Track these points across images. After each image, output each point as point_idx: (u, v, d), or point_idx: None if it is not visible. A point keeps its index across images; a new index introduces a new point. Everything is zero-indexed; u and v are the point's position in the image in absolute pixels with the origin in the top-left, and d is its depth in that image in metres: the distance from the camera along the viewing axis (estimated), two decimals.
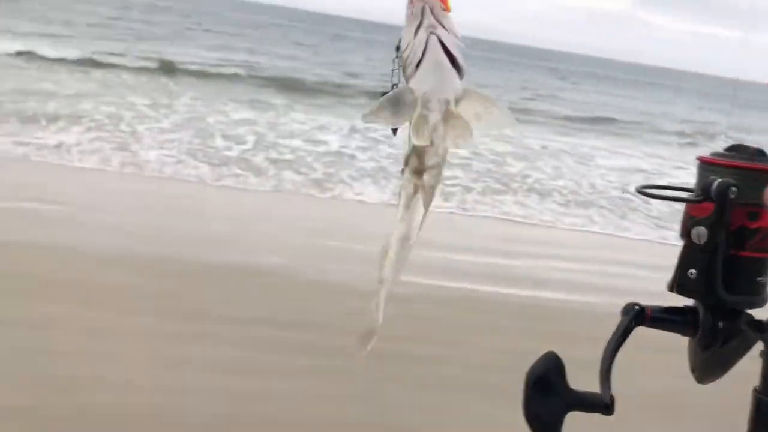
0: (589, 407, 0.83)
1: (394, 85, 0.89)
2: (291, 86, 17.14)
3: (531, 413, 0.82)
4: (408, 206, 0.95)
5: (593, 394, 0.84)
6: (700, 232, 0.86)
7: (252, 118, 12.20)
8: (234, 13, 59.43)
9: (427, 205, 0.94)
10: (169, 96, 13.38)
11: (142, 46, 21.22)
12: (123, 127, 9.59)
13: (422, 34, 0.84)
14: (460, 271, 5.50)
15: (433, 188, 0.93)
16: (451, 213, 7.55)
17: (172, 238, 5.47)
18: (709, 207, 0.85)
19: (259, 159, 8.80)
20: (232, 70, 17.99)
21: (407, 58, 0.85)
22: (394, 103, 0.84)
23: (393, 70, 0.89)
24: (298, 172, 8.46)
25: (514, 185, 9.57)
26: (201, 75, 16.89)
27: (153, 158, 8.07)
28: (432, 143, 0.86)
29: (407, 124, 0.84)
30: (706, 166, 0.89)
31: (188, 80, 16.06)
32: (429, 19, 0.83)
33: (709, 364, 0.93)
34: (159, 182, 7.27)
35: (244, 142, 9.76)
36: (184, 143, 9.09)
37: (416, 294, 4.30)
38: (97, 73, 14.79)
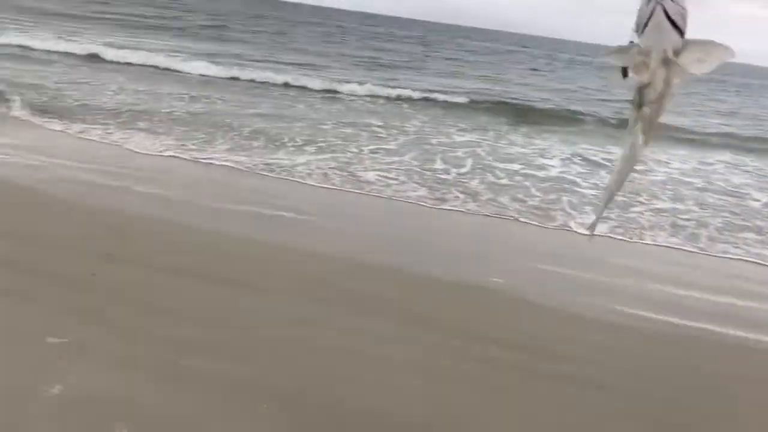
0: None
1: (630, 42, 1.31)
2: (518, 112, 17.07)
3: None
4: (631, 133, 1.36)
5: None
6: None
7: (474, 140, 12.38)
8: (470, 42, 61.15)
9: (645, 133, 1.36)
10: (401, 119, 14.17)
11: (383, 73, 22.88)
12: (352, 148, 10.35)
13: (651, 4, 1.28)
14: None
15: (651, 119, 1.35)
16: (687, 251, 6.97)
17: (414, 252, 5.97)
18: None
19: (474, 183, 8.88)
20: (461, 98, 18.40)
21: (639, 20, 1.27)
22: (624, 51, 1.28)
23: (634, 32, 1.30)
24: (515, 198, 8.33)
25: (758, 222, 8.48)
26: (431, 100, 17.56)
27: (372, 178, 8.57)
28: (651, 83, 1.26)
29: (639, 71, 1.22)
30: None
31: (422, 105, 16.85)
32: None
33: None
34: (382, 201, 7.68)
35: (461, 166, 9.91)
36: (404, 165, 9.52)
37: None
38: (337, 101, 16.16)
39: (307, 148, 10.02)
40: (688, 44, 1.97)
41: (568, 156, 11.97)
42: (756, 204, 9.76)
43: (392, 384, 3.64)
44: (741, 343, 4.75)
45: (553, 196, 8.67)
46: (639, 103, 2.31)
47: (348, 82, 18.59)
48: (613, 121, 16.67)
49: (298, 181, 8.03)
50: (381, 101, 16.79)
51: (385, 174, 8.80)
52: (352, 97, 16.79)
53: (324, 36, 42.16)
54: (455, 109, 16.84)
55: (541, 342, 4.39)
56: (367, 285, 5.00)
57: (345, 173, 8.59)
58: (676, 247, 7.05)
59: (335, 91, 17.22)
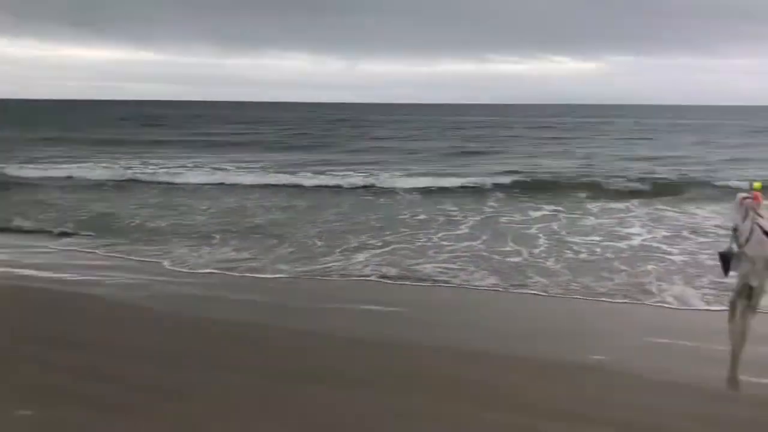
0: None
1: (730, 247, 2.67)
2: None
3: None
4: (742, 315, 2.71)
5: None
6: None
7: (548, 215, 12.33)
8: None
9: (750, 317, 2.73)
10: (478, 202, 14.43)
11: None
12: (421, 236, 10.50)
13: (749, 222, 2.51)
14: None
15: (754, 308, 2.80)
16: None
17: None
18: None
19: (550, 262, 8.80)
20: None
21: (740, 235, 2.56)
22: (738, 258, 2.59)
23: (731, 241, 2.67)
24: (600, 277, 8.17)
25: None
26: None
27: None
28: (759, 281, 2.57)
29: (741, 271, 2.67)
30: None
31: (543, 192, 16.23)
32: (753, 213, 2.47)
33: None
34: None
35: (536, 246, 9.85)
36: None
37: None
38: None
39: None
40: None
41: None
42: None
43: None
44: None
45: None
46: (748, 296, 3.66)
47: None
48: None
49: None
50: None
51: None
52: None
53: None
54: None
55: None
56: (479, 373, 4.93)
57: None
58: None
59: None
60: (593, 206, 13.63)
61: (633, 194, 15.26)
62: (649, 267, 8.44)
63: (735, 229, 3.78)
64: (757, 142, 34.04)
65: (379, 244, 10.01)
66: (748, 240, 3.56)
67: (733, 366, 4.31)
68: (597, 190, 15.94)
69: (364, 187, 17.35)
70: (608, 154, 26.63)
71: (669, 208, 13.34)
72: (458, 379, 4.73)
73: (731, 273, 3.83)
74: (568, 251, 9.44)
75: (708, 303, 6.93)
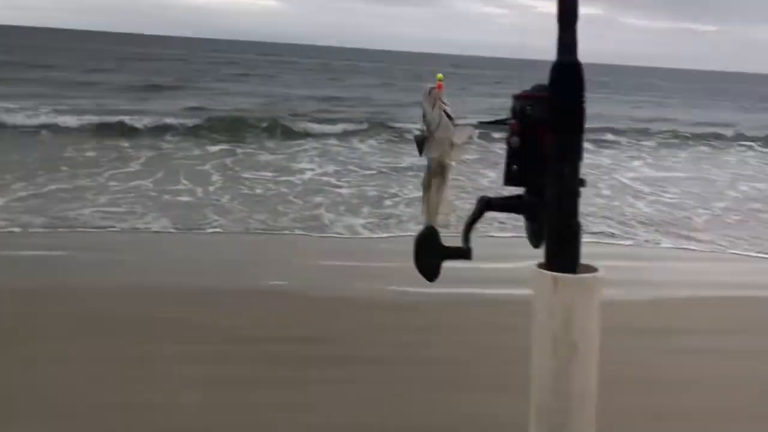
0: (457, 256, 1.41)
1: (422, 130, 1.62)
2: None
3: (419, 264, 1.43)
4: (438, 190, 1.64)
5: (459, 248, 1.41)
6: (514, 141, 1.38)
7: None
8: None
9: (445, 190, 1.64)
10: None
11: None
12: None
13: (437, 110, 1.57)
14: None
15: (447, 182, 1.64)
16: None
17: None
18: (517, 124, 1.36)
19: (226, 199, 8.71)
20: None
21: (430, 122, 1.59)
22: (422, 137, 1.59)
23: (422, 125, 1.63)
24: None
25: None
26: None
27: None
28: (448, 159, 1.61)
29: (430, 151, 1.59)
30: (516, 98, 1.39)
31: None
32: (439, 102, 1.56)
33: (536, 231, 1.38)
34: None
35: (211, 184, 9.67)
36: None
37: None
38: None
39: None
40: (458, 129, 2.47)
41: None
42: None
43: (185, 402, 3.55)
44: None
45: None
46: (441, 174, 3.47)
47: None
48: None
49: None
50: None
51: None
52: None
53: None
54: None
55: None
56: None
57: None
58: None
59: None
60: (270, 143, 13.89)
61: (309, 133, 15.82)
62: (319, 199, 8.90)
63: (425, 116, 3.98)
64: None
65: (31, 187, 8.73)
66: (438, 125, 3.65)
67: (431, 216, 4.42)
68: (275, 127, 16.10)
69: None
70: (290, 93, 27.32)
71: (338, 144, 14.28)
72: (149, 318, 4.69)
73: (424, 155, 4.19)
74: (243, 187, 9.43)
75: (371, 231, 7.56)
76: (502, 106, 1.48)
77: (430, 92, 1.69)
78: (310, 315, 4.96)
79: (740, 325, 5.04)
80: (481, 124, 1.70)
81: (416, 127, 1.58)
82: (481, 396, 3.67)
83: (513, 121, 1.40)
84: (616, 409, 3.60)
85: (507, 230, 6.76)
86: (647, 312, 5.23)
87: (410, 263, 1.38)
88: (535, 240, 1.41)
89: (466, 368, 4.09)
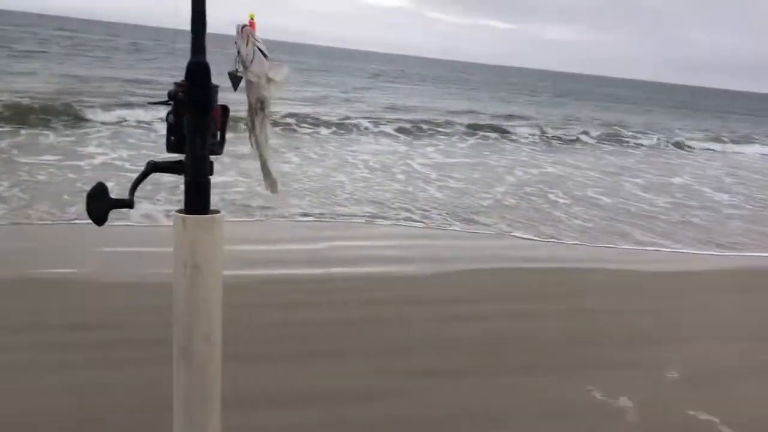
0: (121, 206, 1.77)
1: (238, 69, 1.89)
2: None
3: (90, 213, 1.75)
4: (262, 125, 2.01)
5: (124, 200, 1.78)
6: (170, 118, 1.73)
7: None
8: None
9: (268, 123, 2.03)
10: None
11: None
12: None
13: (250, 46, 1.86)
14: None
15: (269, 115, 2.03)
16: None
17: None
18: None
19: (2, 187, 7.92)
20: None
21: (245, 57, 1.86)
22: (239, 78, 1.88)
23: (236, 64, 1.90)
24: None
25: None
26: None
27: None
28: (267, 93, 1.96)
29: (251, 88, 1.93)
30: (175, 85, 1.73)
31: None
32: (252, 38, 1.85)
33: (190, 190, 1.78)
34: None
35: None
36: None
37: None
38: None
39: None
40: (273, 66, 2.86)
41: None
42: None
43: None
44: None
45: None
46: (262, 108, 3.47)
47: None
48: None
49: None
50: None
51: None
52: None
53: None
54: None
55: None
56: None
57: None
58: None
59: None
60: (57, 125, 12.79)
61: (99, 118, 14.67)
62: (111, 185, 8.40)
63: (239, 53, 4.14)
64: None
65: None
66: (252, 59, 3.70)
67: (266, 172, 4.43)
68: (61, 110, 14.61)
69: None
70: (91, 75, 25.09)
71: (137, 126, 13.58)
72: None
73: (241, 91, 4.36)
74: (24, 174, 8.61)
75: (167, 217, 7.33)
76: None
77: (242, 29, 2.01)
78: (101, 302, 4.79)
79: (498, 293, 5.78)
80: (150, 104, 2.25)
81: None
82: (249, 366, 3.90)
83: (171, 103, 1.75)
84: (396, 367, 4.05)
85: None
86: (429, 284, 5.79)
87: None
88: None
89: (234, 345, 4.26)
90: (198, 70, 1.75)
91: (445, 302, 5.35)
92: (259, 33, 1.81)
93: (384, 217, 8.27)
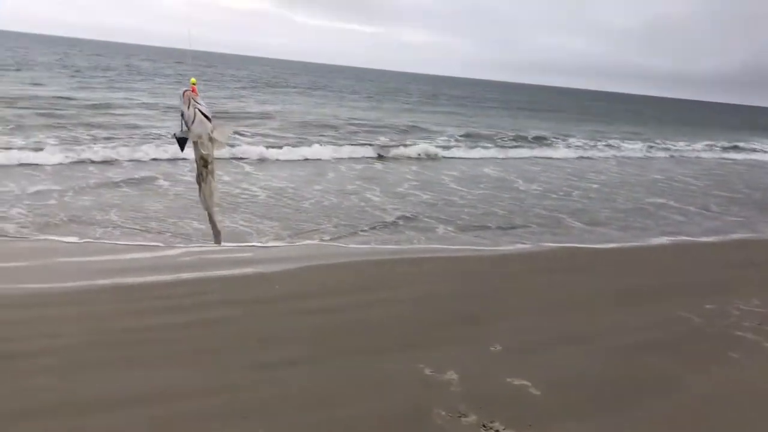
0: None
1: (183, 131, 4.45)
2: None
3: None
4: (205, 181, 4.53)
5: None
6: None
7: None
8: None
9: (212, 179, 4.67)
10: None
11: None
12: None
13: (192, 109, 4.26)
14: None
15: (212, 171, 4.64)
16: None
17: None
18: None
19: None
20: None
21: (188, 120, 4.33)
22: (184, 135, 4.42)
23: (181, 124, 4.51)
24: None
25: None
26: None
27: None
28: (208, 152, 4.32)
29: (191, 146, 4.46)
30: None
31: None
32: (193, 102, 4.25)
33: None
34: None
35: None
36: None
37: None
38: None
39: None
40: (215, 127, 4.52)
41: None
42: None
43: None
44: None
45: None
46: (206, 164, 4.75)
47: None
48: None
49: None
50: None
51: None
52: None
53: None
54: None
55: None
56: None
57: None
58: None
59: None
60: None
61: None
62: None
63: (182, 115, 4.84)
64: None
65: None
66: (193, 121, 4.63)
67: (212, 224, 5.43)
68: None
69: None
70: None
71: None
72: None
73: (186, 150, 5.03)
74: None
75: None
76: None
77: (184, 93, 2.29)
78: None
79: (338, 287, 6.03)
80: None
81: None
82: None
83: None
84: (236, 363, 4.15)
85: None
86: (275, 282, 5.90)
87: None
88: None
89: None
90: None
91: (290, 298, 5.51)
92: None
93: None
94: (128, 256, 6.44)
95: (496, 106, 51.25)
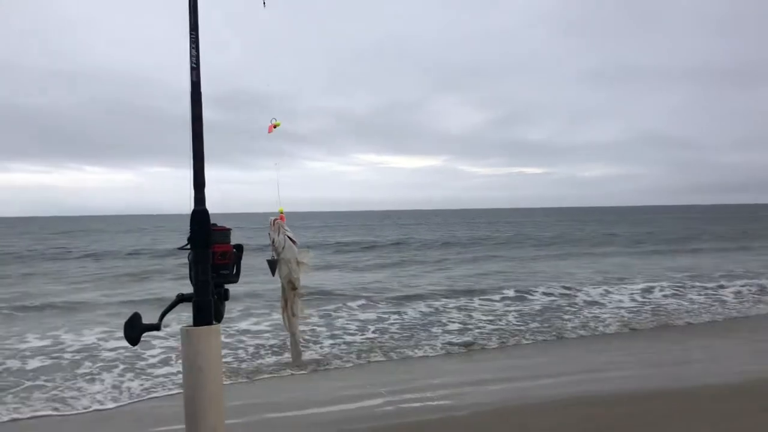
0: (150, 330, 2.54)
1: (273, 256, 4.73)
2: None
3: (127, 335, 2.56)
4: (293, 303, 4.94)
5: (152, 324, 2.54)
6: (190, 257, 2.53)
7: None
8: None
9: (298, 301, 5.05)
10: None
11: None
12: None
13: (281, 236, 4.72)
14: None
15: (300, 294, 5.08)
16: None
17: None
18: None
19: None
20: None
21: (278, 246, 4.72)
22: (274, 261, 4.82)
23: (272, 251, 4.79)
24: None
25: None
26: None
27: None
28: (297, 275, 4.93)
29: (283, 271, 4.92)
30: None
31: None
32: (282, 229, 4.75)
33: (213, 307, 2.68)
34: None
35: None
36: None
37: None
38: None
39: None
40: (301, 252, 4.90)
41: None
42: None
43: None
44: None
45: None
46: (293, 286, 4.97)
47: None
48: None
49: None
50: None
51: None
52: None
53: None
54: None
55: None
56: None
57: None
58: None
59: None
60: None
61: None
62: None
63: (273, 242, 4.95)
64: None
65: None
66: (284, 248, 4.78)
67: (294, 344, 5.88)
68: None
69: None
70: None
71: None
72: None
73: (276, 275, 5.04)
74: None
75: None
76: None
77: (274, 222, 3.15)
78: None
79: None
80: (177, 249, 2.71)
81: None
82: None
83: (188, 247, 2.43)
84: None
85: None
86: None
87: None
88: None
89: None
90: (197, 216, 2.35)
91: None
92: None
93: None
94: None
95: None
